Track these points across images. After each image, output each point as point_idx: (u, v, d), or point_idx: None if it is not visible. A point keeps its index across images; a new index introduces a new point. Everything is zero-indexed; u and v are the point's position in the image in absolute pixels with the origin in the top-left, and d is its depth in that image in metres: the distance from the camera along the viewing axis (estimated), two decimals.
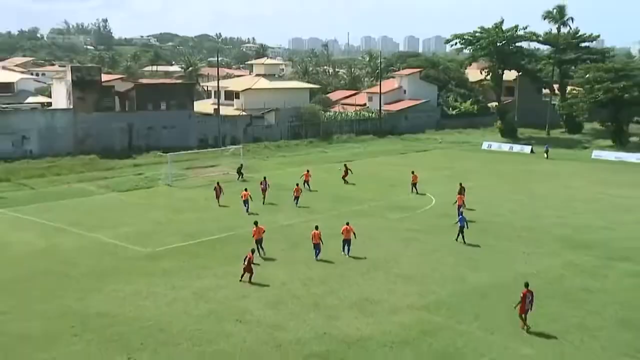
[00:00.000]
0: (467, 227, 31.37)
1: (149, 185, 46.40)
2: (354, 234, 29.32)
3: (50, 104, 76.31)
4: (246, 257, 25.82)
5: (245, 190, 38.77)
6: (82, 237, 32.39)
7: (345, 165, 48.24)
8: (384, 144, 70.71)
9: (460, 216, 31.70)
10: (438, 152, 65.59)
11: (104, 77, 66.01)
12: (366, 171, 52.88)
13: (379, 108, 78.25)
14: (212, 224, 35.14)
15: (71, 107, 58.62)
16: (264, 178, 42.22)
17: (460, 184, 39.38)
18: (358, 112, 79.42)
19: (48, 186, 45.93)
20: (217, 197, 39.28)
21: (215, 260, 28.52)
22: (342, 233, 29.24)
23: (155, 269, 27.28)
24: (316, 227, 29.28)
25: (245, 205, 37.63)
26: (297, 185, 40.81)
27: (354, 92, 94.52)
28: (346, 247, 29.14)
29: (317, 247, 28.61)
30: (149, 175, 49.63)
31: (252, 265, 25.75)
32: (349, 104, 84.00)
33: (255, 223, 29.54)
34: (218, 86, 67.72)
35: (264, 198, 40.25)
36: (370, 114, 79.71)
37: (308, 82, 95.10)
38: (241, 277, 25.77)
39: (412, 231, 33.67)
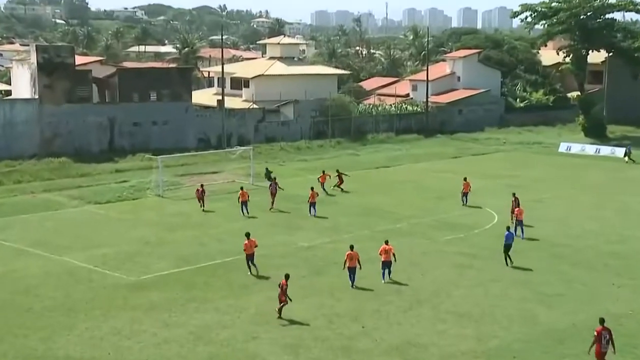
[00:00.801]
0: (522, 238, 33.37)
1: (135, 196, 46.86)
2: (394, 255, 29.92)
3: (9, 92, 77.60)
4: (280, 284, 26.05)
5: (242, 189, 42.18)
6: (48, 260, 32.76)
7: (337, 171, 48.52)
8: (431, 146, 70.56)
9: (508, 232, 32.46)
10: (501, 156, 65.27)
11: (78, 60, 66.95)
12: (407, 179, 52.80)
13: (425, 100, 78.18)
14: (214, 244, 35.35)
15: (36, 97, 59.60)
16: (274, 179, 44.21)
17: (514, 195, 39.33)
18: (399, 105, 79.36)
19: (6, 197, 46.60)
20: (200, 199, 42.45)
21: (217, 291, 28.65)
22: (381, 254, 29.89)
23: (141, 302, 27.48)
24: (351, 247, 29.68)
25: (244, 208, 40.89)
26: (313, 189, 41.90)
27: (393, 79, 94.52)
28: (386, 272, 29.77)
29: (352, 272, 29.07)
30: (135, 183, 50.21)
31: (286, 294, 25.91)
32: (387, 95, 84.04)
33: (247, 235, 30.99)
34: (222, 72, 68.24)
35: (272, 203, 42.58)
36: (414, 108, 79.56)
37: (335, 66, 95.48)
38: (279, 313, 25.77)
39: (466, 256, 33.53)
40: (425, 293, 28.60)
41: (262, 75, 77.01)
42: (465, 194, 43.82)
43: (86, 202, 45.13)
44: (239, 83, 78.83)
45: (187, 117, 64.96)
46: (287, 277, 26.37)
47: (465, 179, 44.47)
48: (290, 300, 26.06)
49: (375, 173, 56.20)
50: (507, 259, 32.07)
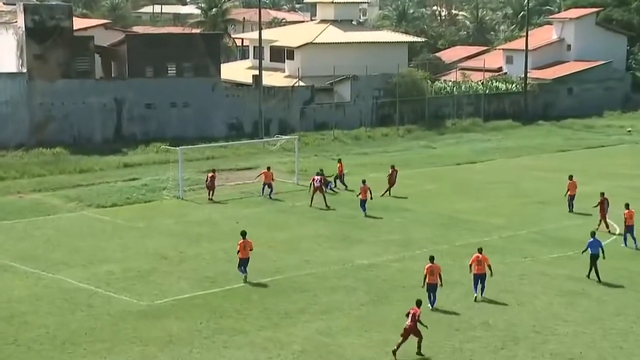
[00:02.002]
0: (604, 257, 33.20)
1: (148, 198, 47.38)
2: (490, 267, 30.62)
3: None
4: (410, 312, 26.27)
5: (269, 169, 47.30)
6: (38, 279, 33.25)
7: (392, 167, 48.13)
8: (530, 135, 70.03)
9: (593, 239, 33.44)
10: (625, 150, 64.44)
11: (77, 23, 68.19)
12: (499, 179, 52.49)
13: (523, 75, 77.46)
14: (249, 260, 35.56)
15: (24, 70, 60.85)
16: (320, 171, 45.74)
17: (602, 195, 40.24)
18: (488, 83, 78.77)
19: None
20: (210, 188, 46.21)
21: (252, 321, 28.80)
22: (472, 265, 30.84)
23: (155, 334, 27.74)
24: (431, 259, 30.31)
25: (269, 189, 46.56)
26: (364, 183, 43.87)
27: (482, 48, 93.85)
28: (479, 287, 30.66)
29: (433, 290, 29.83)
30: (148, 182, 50.78)
31: (420, 324, 26.11)
32: (473, 69, 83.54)
33: (243, 234, 33.01)
34: (260, 39, 68.64)
35: (311, 199, 44.80)
36: (508, 86, 78.88)
37: (406, 32, 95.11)
38: (418, 348, 26.07)
39: (577, 281, 33.14)
40: (523, 329, 28.29)
41: (311, 43, 77.24)
42: (571, 197, 43.85)
43: (86, 205, 45.79)
44: (280, 54, 79.24)
45: (214, 98, 65.59)
46: (419, 304, 26.48)
47: (570, 178, 44.32)
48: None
49: (456, 171, 55.85)
50: (595, 273, 33.04)
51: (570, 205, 43.95)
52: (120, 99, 62.68)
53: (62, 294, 31.49)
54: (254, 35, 77.48)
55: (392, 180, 47.46)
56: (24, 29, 60.29)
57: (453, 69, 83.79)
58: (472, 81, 78.83)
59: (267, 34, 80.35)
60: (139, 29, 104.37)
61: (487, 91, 77.34)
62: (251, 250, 32.80)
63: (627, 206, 38.32)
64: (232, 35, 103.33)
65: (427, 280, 29.87)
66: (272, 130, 65.93)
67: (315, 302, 30.53)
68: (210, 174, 47.01)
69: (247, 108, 66.41)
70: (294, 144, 54.89)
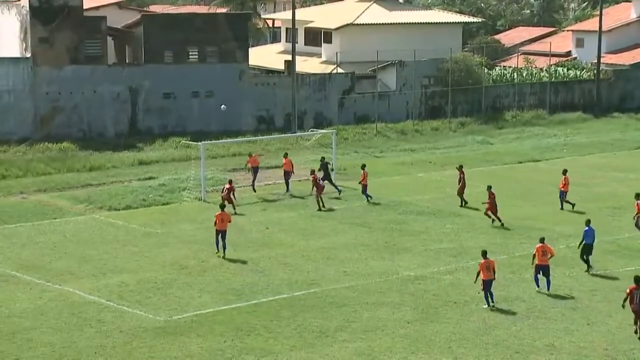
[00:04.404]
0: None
1: (166, 199, 47.73)
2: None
3: None
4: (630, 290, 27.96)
5: (286, 156, 49.51)
6: (43, 291, 33.50)
7: (460, 168, 47.61)
8: (604, 130, 69.73)
9: (588, 228, 35.73)
10: None
11: (88, 2, 68.64)
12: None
13: (596, 61, 76.98)
14: (278, 272, 35.71)
15: (28, 55, 61.45)
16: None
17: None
18: (555, 69, 78.32)
19: None
20: (227, 200, 43.79)
21: (282, 340, 28.84)
22: (535, 256, 32.69)
23: (174, 354, 27.87)
24: (484, 254, 31.73)
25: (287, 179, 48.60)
26: (364, 168, 46.82)
27: (547, 30, 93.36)
28: (544, 279, 32.64)
29: (489, 288, 31.22)
30: (166, 181, 51.10)
31: None
32: (537, 53, 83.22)
33: (222, 207, 37.83)
34: (293, 20, 68.78)
35: (318, 202, 45.58)
36: (578, 73, 78.35)
37: (460, 12, 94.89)
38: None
39: None
40: (594, 353, 28.03)
41: (351, 24, 77.33)
42: (563, 194, 45.28)
43: (97, 207, 46.19)
44: (317, 37, 79.37)
45: (241, 86, 65.86)
46: (637, 280, 28.53)
47: (564, 172, 45.37)
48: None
49: (517, 171, 55.61)
50: (586, 263, 35.56)
51: (562, 202, 45.46)
52: (136, 88, 63.13)
53: (70, 308, 31.69)
54: (287, 15, 77.79)
55: (462, 186, 46.73)
56: (28, 9, 60.83)
57: (514, 54, 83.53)
58: (536, 67, 78.41)
59: (302, 13, 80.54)
60: (156, 9, 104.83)
61: (553, 79, 76.91)
62: (229, 222, 37.20)
63: (637, 196, 40.93)
64: (262, 16, 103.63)
65: (481, 276, 30.90)
66: (306, 123, 66.07)
67: (354, 319, 30.49)
68: (227, 185, 45.28)
69: (278, 98, 66.61)
70: (331, 138, 54.97)
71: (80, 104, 61.32)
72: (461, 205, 45.86)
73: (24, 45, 61.83)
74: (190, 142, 54.54)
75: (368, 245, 39.34)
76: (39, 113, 60.67)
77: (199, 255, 37.93)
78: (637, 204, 41.12)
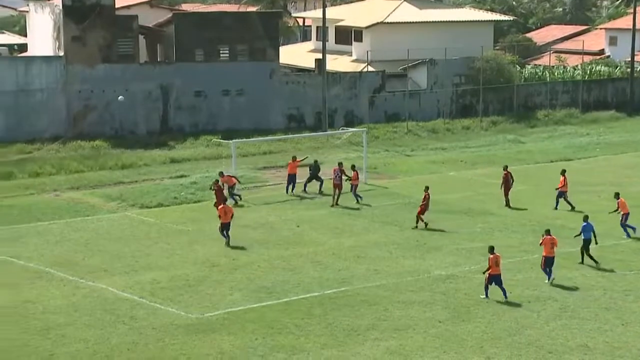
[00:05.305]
0: (597, 243, 36.45)
1: (197, 197, 47.97)
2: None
3: (23, 47, 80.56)
4: None
5: (293, 161, 48.58)
6: (76, 288, 33.77)
7: (505, 168, 47.21)
8: (637, 129, 69.48)
9: (586, 223, 36.59)
10: None
11: (120, 1, 69.06)
12: (600, 180, 51.99)
13: (630, 59, 76.45)
14: (309, 270, 35.79)
15: (61, 54, 61.94)
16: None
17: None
18: (587, 67, 77.87)
19: (18, 195, 48.53)
20: (219, 201, 41.97)
21: (313, 338, 28.87)
22: (543, 245, 34.19)
23: (205, 351, 27.96)
24: (492, 249, 32.35)
25: (290, 185, 48.13)
26: (354, 169, 46.64)
27: (580, 28, 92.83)
28: (550, 270, 33.76)
29: (499, 282, 31.93)
30: (197, 179, 51.34)
31: None
32: (569, 52, 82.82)
33: (224, 200, 39.45)
34: (324, 18, 68.74)
35: (334, 198, 45.97)
36: (612, 71, 77.83)
37: (491, 10, 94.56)
38: None
39: None
40: (628, 353, 27.85)
41: (382, 23, 77.21)
42: (562, 194, 45.41)
43: (129, 204, 46.51)
44: (347, 35, 79.28)
45: (271, 85, 66.03)
46: None
47: (563, 173, 45.39)
48: None
49: (549, 170, 55.27)
50: (590, 258, 36.10)
51: (557, 202, 45.46)
52: (167, 86, 63.42)
53: (102, 304, 31.94)
54: (318, 13, 77.78)
55: (508, 186, 46.24)
56: (61, 8, 61.33)
57: (546, 52, 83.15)
58: (568, 66, 78.02)
59: (332, 12, 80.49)
60: (187, 7, 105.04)
61: (586, 77, 76.52)
62: (232, 216, 38.84)
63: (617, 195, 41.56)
64: (293, 14, 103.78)
65: (490, 272, 31.77)
66: (337, 121, 66.13)
67: (385, 317, 30.50)
68: (222, 179, 45.33)
69: (308, 97, 66.72)
70: (361, 137, 54.98)
71: (112, 102, 61.53)
72: (506, 205, 45.66)
73: (57, 44, 62.27)
74: (222, 141, 54.69)
75: (399, 243, 39.36)
76: (72, 111, 61.05)
77: (229, 253, 38.07)
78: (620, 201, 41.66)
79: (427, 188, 42.47)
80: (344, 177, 46.39)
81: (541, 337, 28.82)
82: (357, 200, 46.13)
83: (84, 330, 29.56)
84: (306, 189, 48.40)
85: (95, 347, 28.13)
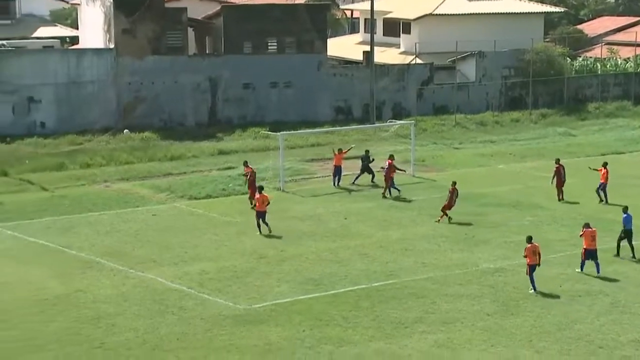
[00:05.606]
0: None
1: (245, 189, 47.78)
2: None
3: (75, 39, 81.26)
4: None
5: (339, 153, 48.28)
6: (126, 278, 34.21)
7: (557, 161, 46.79)
8: None
9: (626, 215, 36.49)
10: None
11: None
12: None
13: None
14: (357, 262, 35.88)
15: (111, 46, 62.43)
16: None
17: None
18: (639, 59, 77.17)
19: (69, 186, 49.15)
20: (252, 194, 43.06)
21: (360, 330, 28.95)
22: (583, 237, 34.04)
23: (253, 342, 28.13)
24: (530, 239, 32.80)
25: (336, 177, 48.32)
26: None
27: (633, 19, 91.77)
28: (589, 263, 33.76)
29: (532, 272, 32.14)
30: (245, 171, 51.31)
31: None
32: (621, 44, 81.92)
33: (260, 189, 39.86)
34: (372, 10, 68.59)
35: (385, 188, 45.78)
36: None
37: (541, 1, 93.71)
38: None
39: None
40: None
41: (430, 15, 76.97)
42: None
43: (178, 196, 46.88)
44: (395, 27, 79.18)
45: (319, 77, 66.06)
46: None
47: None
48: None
49: (599, 163, 54.69)
50: (631, 249, 36.07)
51: (605, 195, 45.54)
52: (215, 78, 63.66)
53: (152, 294, 32.29)
54: (366, 5, 77.64)
55: (560, 180, 45.91)
56: (111, 1, 61.79)
57: (598, 44, 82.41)
58: (620, 58, 77.29)
59: (380, 4, 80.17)
60: (236, 0, 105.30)
61: (638, 69, 75.80)
62: (268, 204, 39.41)
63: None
64: (341, 6, 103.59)
65: (528, 262, 32.11)
66: (384, 114, 66.06)
67: (433, 310, 30.51)
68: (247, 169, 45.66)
69: (356, 89, 66.68)
70: (409, 129, 54.89)
71: (161, 94, 61.99)
72: (559, 200, 45.45)
73: (108, 36, 62.76)
74: (269, 133, 54.84)
75: (447, 236, 39.31)
76: (122, 103, 61.52)
77: (277, 244, 38.28)
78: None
79: (454, 183, 42.45)
80: (398, 171, 46.67)
81: (591, 332, 28.66)
82: (395, 192, 46.31)
83: (134, 319, 29.90)
84: (356, 181, 48.38)
85: (145, 337, 28.46)
